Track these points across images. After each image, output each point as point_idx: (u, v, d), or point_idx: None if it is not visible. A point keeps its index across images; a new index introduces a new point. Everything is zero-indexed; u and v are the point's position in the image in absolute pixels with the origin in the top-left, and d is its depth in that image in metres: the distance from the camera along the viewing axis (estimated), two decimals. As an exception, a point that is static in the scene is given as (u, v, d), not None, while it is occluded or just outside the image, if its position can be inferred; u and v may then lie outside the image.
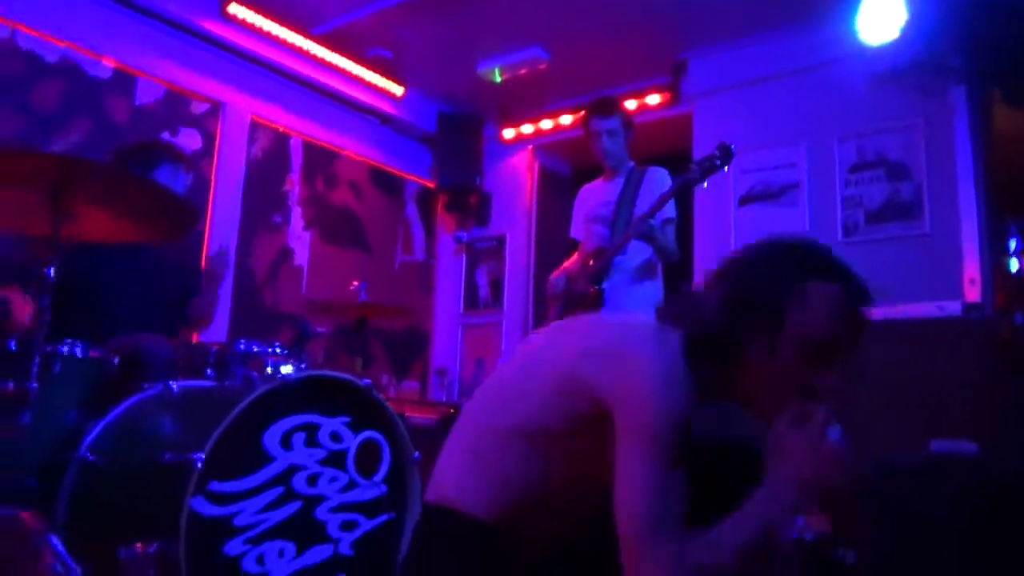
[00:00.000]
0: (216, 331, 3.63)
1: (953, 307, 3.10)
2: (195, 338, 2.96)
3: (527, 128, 4.80)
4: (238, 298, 3.87)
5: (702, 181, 2.77)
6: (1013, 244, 4.46)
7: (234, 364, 2.26)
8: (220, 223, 3.81)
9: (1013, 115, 3.63)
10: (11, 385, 1.72)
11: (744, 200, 3.85)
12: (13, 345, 1.86)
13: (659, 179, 3.08)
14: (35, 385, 1.71)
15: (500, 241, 4.92)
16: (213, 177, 3.83)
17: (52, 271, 1.75)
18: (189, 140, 3.74)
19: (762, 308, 1.16)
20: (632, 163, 3.14)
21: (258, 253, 4.02)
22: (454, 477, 1.26)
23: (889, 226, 3.46)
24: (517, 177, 4.94)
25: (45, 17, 3.20)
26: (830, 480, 1.11)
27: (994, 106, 3.42)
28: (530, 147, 4.89)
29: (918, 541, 2.39)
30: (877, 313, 3.26)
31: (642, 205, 3.03)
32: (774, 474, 1.13)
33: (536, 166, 4.92)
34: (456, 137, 4.80)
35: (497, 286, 4.89)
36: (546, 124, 4.72)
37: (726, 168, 2.75)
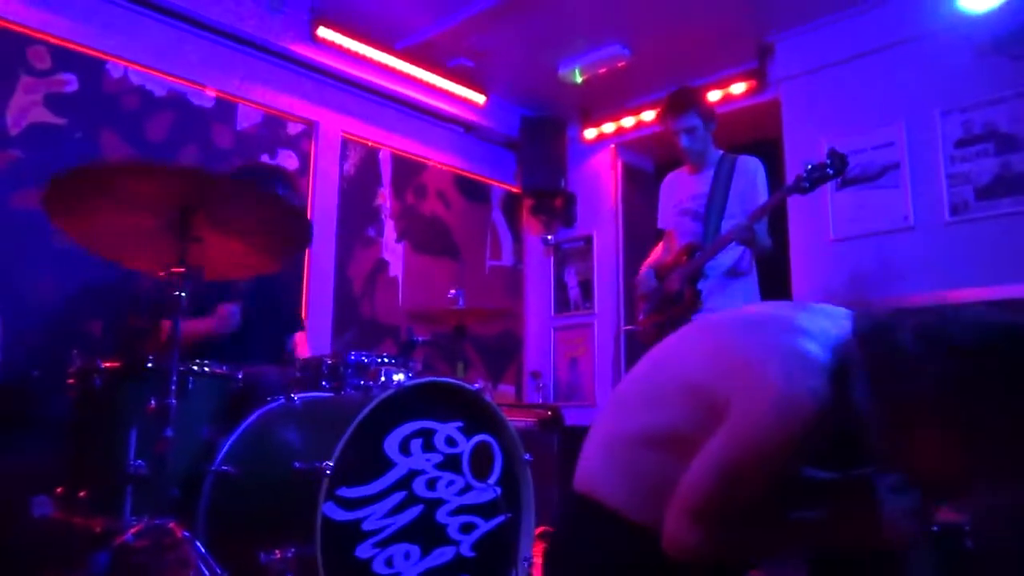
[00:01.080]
0: (320, 345, 3.77)
1: (1076, 284, 2.92)
2: (305, 353, 3.08)
3: (608, 127, 4.78)
4: (338, 311, 4.01)
5: (811, 190, 2.69)
6: None
7: (348, 375, 2.34)
8: (318, 239, 3.95)
9: None
10: (153, 402, 1.84)
11: (842, 184, 3.73)
12: (150, 363, 2.00)
13: (752, 169, 3.01)
14: (174, 402, 1.83)
15: (587, 241, 4.92)
16: (310, 196, 3.98)
17: (183, 295, 1.87)
18: (287, 161, 3.90)
19: (975, 415, 0.99)
20: (720, 152, 3.08)
21: (355, 267, 4.14)
22: (598, 472, 1.27)
23: (1001, 202, 3.29)
24: (600, 176, 4.93)
25: (154, 54, 3.40)
26: (871, 545, 1.14)
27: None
28: (612, 145, 4.88)
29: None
30: (990, 293, 3.12)
31: (735, 197, 2.97)
32: (841, 510, 1.15)
33: (619, 164, 4.90)
34: (539, 140, 4.83)
35: (587, 286, 4.89)
36: (628, 121, 4.69)
37: (839, 177, 2.66)
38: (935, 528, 2.59)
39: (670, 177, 3.27)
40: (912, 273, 3.36)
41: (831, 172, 2.60)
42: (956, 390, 0.99)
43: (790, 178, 3.89)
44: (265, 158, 3.80)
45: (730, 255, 2.93)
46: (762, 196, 2.95)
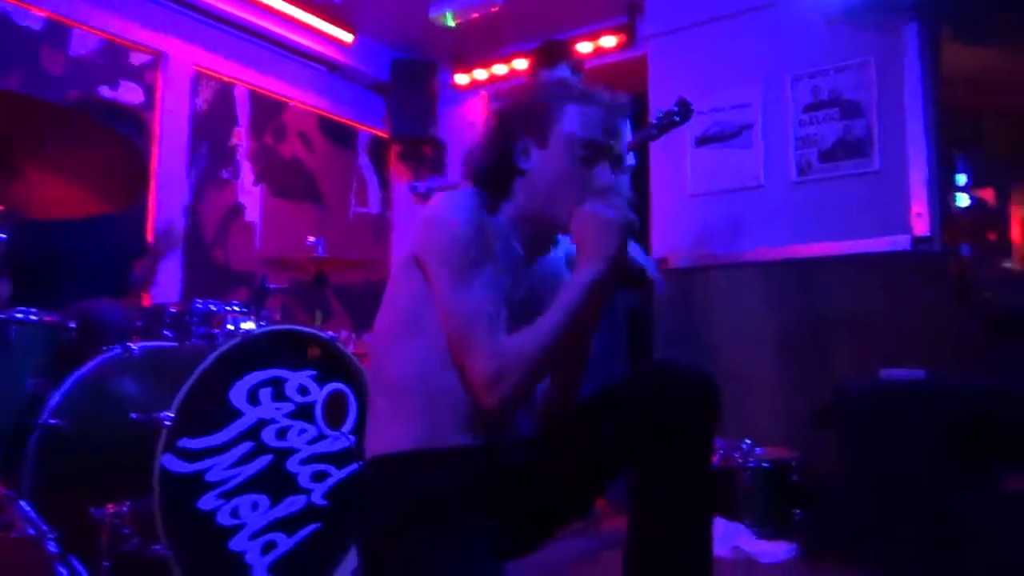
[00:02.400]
0: (168, 292, 3.56)
1: (903, 241, 3.19)
2: (147, 301, 2.89)
3: (481, 73, 4.72)
4: (189, 257, 3.78)
5: (660, 136, 2.77)
6: (962, 179, 4.58)
7: (193, 324, 2.22)
8: (166, 180, 3.70)
9: (963, 52, 3.69)
10: (-36, 352, 1.67)
11: (701, 141, 3.86)
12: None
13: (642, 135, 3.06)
14: (-11, 351, 1.66)
15: (457, 190, 4.87)
16: (157, 132, 3.70)
17: (3, 237, 1.69)
18: (130, 94, 3.60)
19: (528, 133, 1.34)
20: None
21: (207, 210, 3.91)
22: (373, 428, 1.36)
23: (842, 164, 3.51)
24: (472, 124, 4.88)
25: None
26: (615, 252, 1.26)
27: (944, 43, 3.47)
28: (485, 93, 4.82)
29: (870, 460, 2.50)
30: (831, 248, 3.35)
31: None
32: (578, 258, 1.28)
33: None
34: (409, 84, 4.69)
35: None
36: (500, 69, 4.64)
37: (685, 123, 2.75)
38: (767, 464, 2.81)
39: None
40: (763, 229, 3.55)
41: (677, 119, 2.69)
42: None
43: (653, 135, 4.01)
44: (105, 90, 3.48)
45: None
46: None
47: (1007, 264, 4.16)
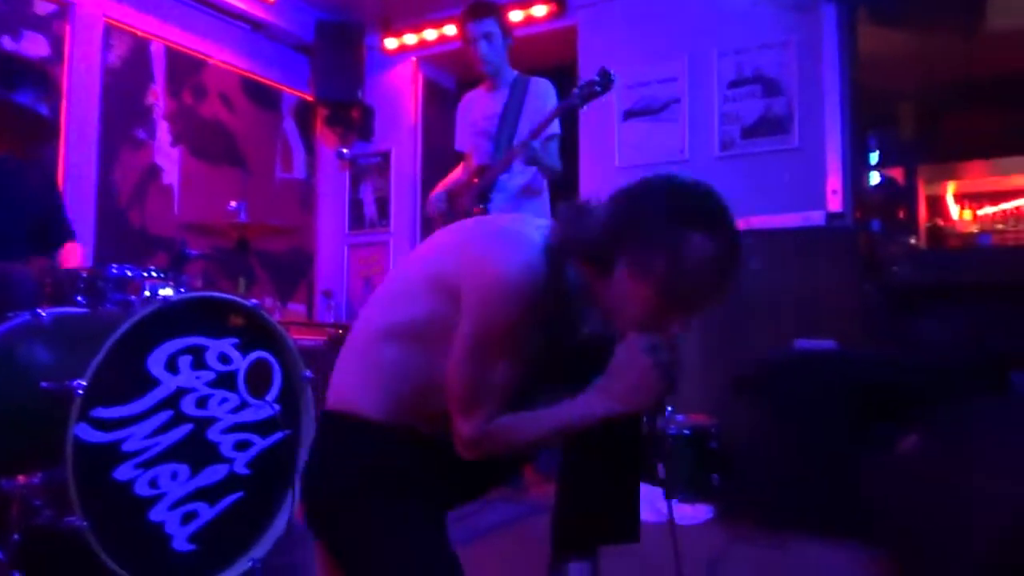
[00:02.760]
0: (82, 258, 3.39)
1: (818, 217, 3.32)
2: (62, 264, 2.75)
3: (410, 38, 4.63)
4: (102, 221, 3.62)
5: (582, 106, 2.79)
6: (874, 157, 4.77)
7: (107, 290, 2.13)
8: (76, 139, 3.51)
9: (878, 34, 3.83)
10: None
11: (628, 115, 3.91)
12: None
13: (543, 91, 3.06)
14: None
15: (385, 157, 4.80)
16: (64, 87, 3.50)
17: None
18: (34, 45, 3.38)
19: (642, 237, 1.17)
20: (516, 73, 3.10)
21: (121, 172, 3.73)
22: (348, 383, 1.33)
23: (762, 141, 3.62)
24: (400, 90, 4.79)
25: None
26: (640, 407, 1.23)
27: (860, 25, 3.60)
28: (414, 58, 4.74)
29: (783, 426, 2.62)
30: (751, 222, 3.46)
31: (527, 118, 3.01)
32: (598, 383, 1.24)
33: (420, 78, 4.79)
34: (335, 47, 4.57)
35: (383, 204, 4.80)
36: (430, 34, 4.57)
37: (606, 94, 2.77)
38: (687, 431, 2.90)
39: (467, 97, 3.24)
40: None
41: (599, 89, 2.71)
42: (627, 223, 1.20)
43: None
44: (6, 40, 3.27)
45: (523, 175, 2.98)
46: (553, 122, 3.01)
47: (913, 240, 4.39)
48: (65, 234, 2.79)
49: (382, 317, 1.31)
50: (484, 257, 1.21)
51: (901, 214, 5.45)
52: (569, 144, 3.92)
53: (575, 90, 2.75)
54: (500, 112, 3.03)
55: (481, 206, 2.95)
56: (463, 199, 3.01)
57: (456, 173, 3.23)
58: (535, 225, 1.30)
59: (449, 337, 1.23)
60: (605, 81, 2.70)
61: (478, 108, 3.13)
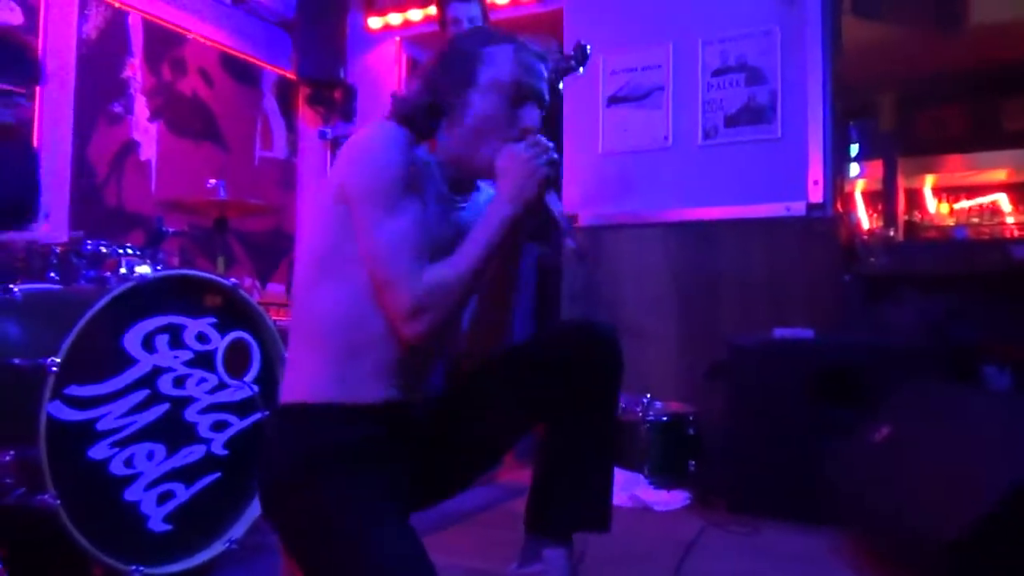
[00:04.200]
0: (54, 233, 3.34)
1: (799, 207, 3.34)
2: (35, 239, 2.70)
3: (395, 18, 4.58)
4: (77, 196, 3.55)
5: (557, 81, 2.77)
6: (855, 149, 4.81)
7: (81, 266, 2.10)
8: (50, 111, 3.44)
9: (860, 25, 3.85)
10: None
11: (612, 101, 3.90)
12: None
13: None
14: None
15: (367, 138, 4.74)
16: (40, 58, 3.42)
17: None
18: (7, 14, 3.30)
19: (457, 75, 1.35)
20: None
21: (98, 147, 3.66)
22: (288, 372, 1.37)
23: (744, 130, 3.62)
24: (384, 70, 4.74)
25: None
26: (541, 184, 1.29)
27: (843, 16, 3.61)
28: (398, 38, 4.68)
29: (761, 411, 2.65)
30: (733, 212, 3.47)
31: None
32: (497, 194, 1.32)
33: (404, 59, 4.73)
34: (318, 23, 4.49)
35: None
36: (415, 14, 4.51)
37: (581, 70, 2.75)
38: (665, 418, 2.93)
39: None
40: (670, 189, 3.64)
41: (574, 63, 2.70)
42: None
43: (567, 90, 4.01)
44: (-23, 8, 3.18)
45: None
46: None
47: (891, 232, 4.44)
48: (31, 215, 2.73)
49: (298, 281, 1.37)
50: (348, 150, 1.32)
51: (880, 206, 5.51)
52: (552, 130, 3.91)
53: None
54: None
55: None
56: None
57: None
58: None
59: (353, 259, 1.28)
60: (580, 55, 2.69)
61: None
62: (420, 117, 1.36)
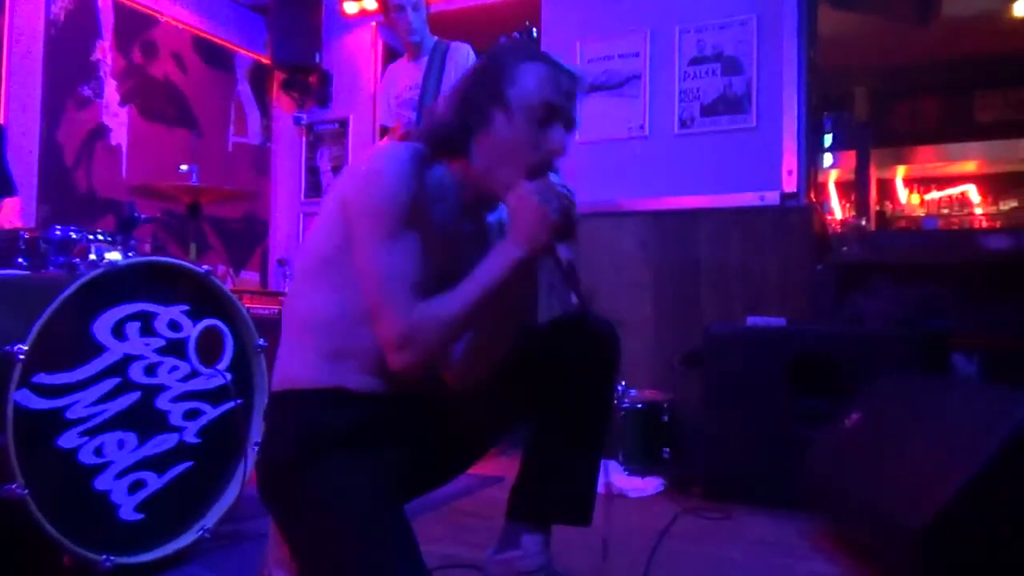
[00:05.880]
0: (23, 218, 3.28)
1: (773, 197, 3.36)
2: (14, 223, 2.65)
3: (370, 3, 4.52)
4: (45, 181, 3.48)
5: None
6: (829, 139, 4.86)
7: (50, 252, 2.07)
8: (17, 94, 3.37)
9: (836, 16, 3.88)
10: None
11: (590, 89, 3.89)
12: None
13: (463, 55, 3.02)
14: None
15: (343, 124, 4.70)
16: (5, 40, 3.34)
17: None
18: (-28, -7, 3.22)
19: (485, 93, 1.30)
20: (435, 38, 3.05)
21: (66, 131, 3.60)
22: (281, 360, 1.37)
23: (720, 119, 3.64)
24: (360, 56, 4.69)
25: None
26: (552, 234, 1.25)
27: (820, 6, 3.63)
28: (374, 24, 4.64)
29: (736, 398, 2.68)
30: (709, 201, 3.49)
31: (447, 84, 2.96)
32: (509, 234, 1.28)
33: (380, 44, 4.69)
34: (293, 8, 4.44)
35: (340, 172, 4.72)
36: None
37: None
38: (640, 405, 2.95)
39: (390, 69, 3.18)
40: (646, 178, 3.65)
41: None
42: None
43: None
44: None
45: None
46: None
47: (863, 222, 4.49)
48: (6, 189, 2.67)
49: (297, 272, 1.38)
50: (358, 165, 1.32)
51: (852, 196, 5.58)
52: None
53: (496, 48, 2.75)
54: (422, 80, 2.98)
55: None
56: None
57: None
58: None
59: (351, 259, 1.27)
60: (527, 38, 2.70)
61: (401, 79, 3.08)
62: (447, 134, 1.32)
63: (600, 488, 2.68)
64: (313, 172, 4.78)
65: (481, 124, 1.30)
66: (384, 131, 3.14)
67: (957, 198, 6.15)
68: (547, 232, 1.24)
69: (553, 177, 1.29)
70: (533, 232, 1.24)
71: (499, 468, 2.52)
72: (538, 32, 2.74)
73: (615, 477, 2.79)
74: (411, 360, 1.23)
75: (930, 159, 6.24)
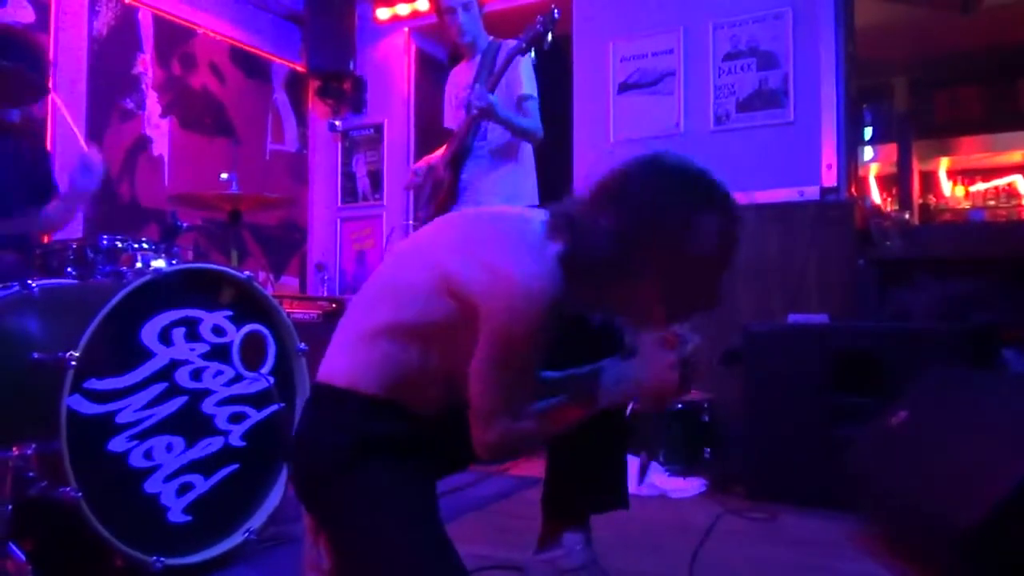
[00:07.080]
0: (70, 230, 3.36)
1: (812, 192, 3.31)
2: (47, 238, 2.72)
3: (403, 8, 4.57)
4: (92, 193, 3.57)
5: (528, 50, 2.78)
6: (868, 132, 4.76)
7: (98, 261, 2.12)
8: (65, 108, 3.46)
9: (873, 6, 3.81)
10: None
11: (623, 87, 3.88)
12: None
13: (512, 51, 3.01)
14: None
15: (377, 129, 4.75)
16: (52, 56, 3.44)
17: None
18: (19, 12, 3.32)
19: (657, 238, 1.17)
20: (490, 38, 3.05)
21: (111, 143, 3.69)
22: (341, 363, 1.33)
23: (757, 114, 3.60)
24: (393, 62, 4.74)
25: None
26: (666, 397, 1.26)
27: (857, -2, 3.57)
28: (406, 29, 4.68)
29: (777, 397, 2.64)
30: (746, 198, 3.45)
31: (500, 82, 2.96)
32: (624, 369, 1.27)
33: (413, 49, 4.73)
34: (326, 16, 4.50)
35: (376, 177, 4.76)
36: (422, 4, 4.50)
37: (550, 35, 2.76)
38: (680, 406, 2.92)
39: (452, 73, 3.20)
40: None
41: (541, 29, 2.72)
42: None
43: (577, 78, 3.99)
44: (-9, 5, 3.20)
45: (495, 141, 2.95)
46: (523, 80, 2.93)
47: (906, 215, 4.40)
48: (51, 191, 2.72)
49: (384, 313, 1.30)
50: (501, 269, 1.19)
51: (894, 190, 5.46)
52: (562, 118, 3.89)
53: (520, 36, 2.75)
54: (475, 79, 2.99)
55: (454, 172, 2.94)
56: (439, 168, 3.02)
57: (441, 149, 3.21)
58: (532, 223, 1.27)
59: (452, 337, 1.24)
60: (548, 20, 2.70)
61: (460, 80, 3.10)
62: (593, 266, 1.21)
63: (643, 489, 2.66)
64: (349, 177, 4.84)
65: (644, 271, 1.18)
66: (448, 134, 3.18)
67: (1004, 189, 5.97)
68: (661, 400, 1.27)
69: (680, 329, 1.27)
70: (660, 396, 1.26)
71: (538, 469, 2.52)
72: (559, 14, 2.73)
73: (656, 478, 2.77)
74: (493, 456, 1.29)
75: (974, 150, 6.08)
